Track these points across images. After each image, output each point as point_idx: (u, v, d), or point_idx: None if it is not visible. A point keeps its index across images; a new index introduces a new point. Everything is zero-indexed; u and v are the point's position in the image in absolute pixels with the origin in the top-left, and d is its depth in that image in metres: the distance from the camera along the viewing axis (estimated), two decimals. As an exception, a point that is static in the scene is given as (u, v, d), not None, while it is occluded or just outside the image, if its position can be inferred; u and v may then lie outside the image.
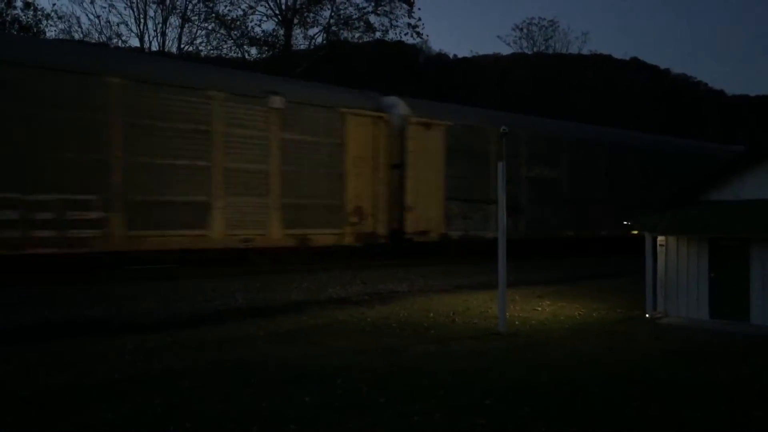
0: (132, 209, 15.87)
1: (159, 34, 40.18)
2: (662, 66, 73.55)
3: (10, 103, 14.32)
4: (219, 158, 17.32)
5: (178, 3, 39.52)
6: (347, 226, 19.96)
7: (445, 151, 22.34)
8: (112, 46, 38.51)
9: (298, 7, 40.27)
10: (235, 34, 40.18)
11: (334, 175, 19.82)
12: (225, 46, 40.57)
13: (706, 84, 74.75)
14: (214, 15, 39.57)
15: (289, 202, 18.69)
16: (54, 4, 68.14)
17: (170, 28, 40.83)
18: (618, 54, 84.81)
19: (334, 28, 40.95)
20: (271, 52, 41.44)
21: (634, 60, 69.85)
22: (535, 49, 61.21)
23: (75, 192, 14.96)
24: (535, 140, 25.50)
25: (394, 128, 21.31)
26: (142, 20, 39.70)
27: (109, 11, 47.65)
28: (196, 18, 39.98)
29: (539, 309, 15.53)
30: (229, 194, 17.51)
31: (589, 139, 28.35)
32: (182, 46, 40.23)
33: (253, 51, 41.58)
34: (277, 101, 18.30)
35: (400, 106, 21.84)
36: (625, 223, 15.81)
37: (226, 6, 39.48)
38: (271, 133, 18.32)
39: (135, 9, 39.43)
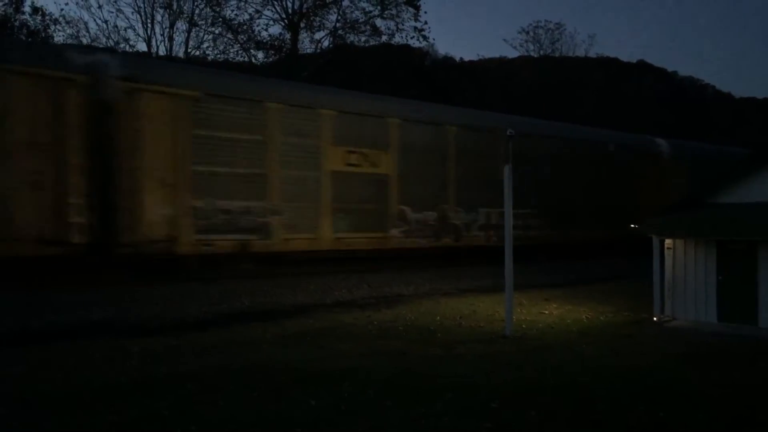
0: (553, 218, 25.30)
1: (166, 39, 40.35)
2: (669, 68, 73.44)
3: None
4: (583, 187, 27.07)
5: (185, 7, 39.69)
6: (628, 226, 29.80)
7: (686, 176, 30.53)
8: (120, 50, 38.65)
9: (304, 11, 40.39)
10: (242, 39, 40.32)
11: (632, 193, 28.61)
12: (232, 51, 40.72)
13: (713, 86, 74.54)
14: (221, 19, 39.73)
15: (608, 210, 27.36)
16: (62, 9, 68.41)
17: (177, 33, 40.90)
18: (624, 57, 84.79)
19: (340, 31, 41.06)
20: (277, 56, 41.55)
21: (641, 62, 69.70)
22: (541, 52, 61.05)
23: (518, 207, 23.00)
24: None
25: (663, 162, 30.76)
26: (149, 25, 39.88)
27: (117, 16, 47.77)
28: (203, 22, 40.13)
29: (546, 312, 15.49)
30: (585, 209, 26.94)
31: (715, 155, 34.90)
32: (189, 50, 40.40)
33: (260, 55, 41.74)
34: (611, 147, 28.45)
35: (664, 145, 31.50)
36: (632, 226, 15.75)
37: (233, 10, 39.73)
38: (605, 168, 28.04)
39: (142, 14, 39.60)
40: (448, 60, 62.15)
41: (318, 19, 40.73)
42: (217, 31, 40.21)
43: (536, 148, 25.05)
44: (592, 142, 28.40)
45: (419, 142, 21.80)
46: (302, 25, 40.47)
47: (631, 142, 30.41)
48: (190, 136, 16.83)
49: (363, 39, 41.72)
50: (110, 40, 39.37)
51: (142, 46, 40.92)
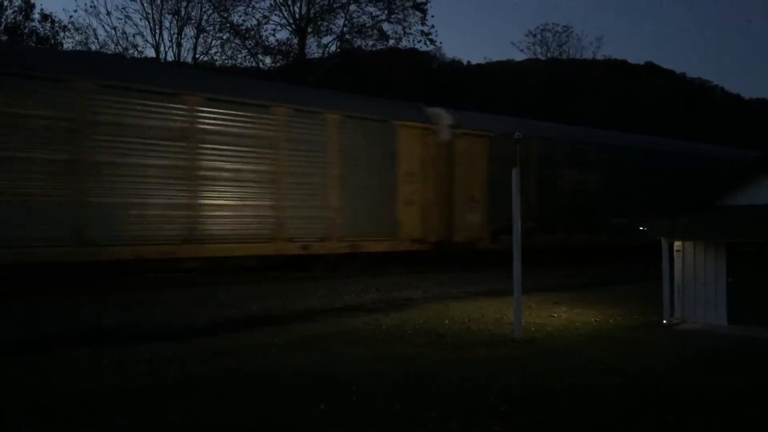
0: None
1: (174, 45, 40.50)
2: (678, 71, 73.19)
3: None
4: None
5: (193, 13, 39.85)
6: None
7: None
8: (129, 56, 38.84)
9: (311, 16, 40.48)
10: (250, 44, 40.44)
11: None
12: (239, 56, 40.85)
13: (722, 88, 74.30)
14: (228, 25, 39.87)
15: None
16: (71, 16, 68.73)
17: (185, 39, 41.03)
18: (632, 59, 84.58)
19: (347, 36, 41.11)
20: (285, 61, 41.67)
21: (649, 64, 69.59)
22: (548, 55, 60.93)
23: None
24: None
25: None
26: (157, 31, 40.05)
27: (125, 22, 47.81)
28: (211, 28, 40.27)
29: (555, 315, 15.45)
30: None
31: None
32: (197, 56, 40.55)
33: (267, 60, 41.86)
34: (736, 162, 31.29)
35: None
36: (641, 228, 15.70)
37: (240, 16, 39.81)
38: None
39: (150, 20, 39.76)
40: (455, 63, 62.23)
41: (325, 23, 40.83)
42: (224, 37, 40.36)
43: (693, 165, 31.86)
44: (726, 158, 34.18)
45: (616, 162, 29.00)
46: (309, 30, 40.57)
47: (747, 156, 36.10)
48: (487, 163, 23.73)
49: (370, 43, 41.79)
50: (119, 47, 39.60)
51: (150, 53, 41.00)
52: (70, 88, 15.50)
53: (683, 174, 31.31)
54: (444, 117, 23.28)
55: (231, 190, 17.98)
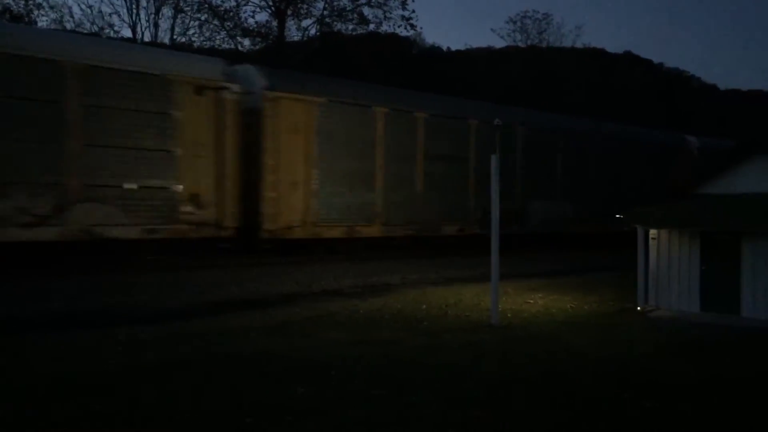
0: None
1: (152, 25, 40.03)
2: (656, 60, 73.63)
3: None
4: None
5: (170, -7, 39.34)
6: None
7: None
8: (104, 36, 38.26)
9: (291, -2, 40.13)
10: (228, 25, 40.06)
11: None
12: (218, 38, 40.45)
13: (699, 78, 74.86)
14: (207, 5, 39.44)
15: None
16: (46, -6, 67.27)
17: (163, 19, 40.57)
18: (611, 48, 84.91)
19: (327, 19, 40.86)
20: (264, 44, 41.35)
21: (628, 54, 69.85)
22: (528, 42, 60.88)
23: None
24: None
25: None
26: (134, 10, 39.53)
27: (101, 1, 47.17)
28: (189, 9, 39.85)
29: (531, 302, 15.59)
30: None
31: None
32: (175, 36, 40.10)
33: (246, 42, 41.50)
34: None
35: None
36: (617, 216, 15.87)
37: (219, -4, 39.37)
38: None
39: (127, -1, 39.21)
40: (435, 49, 62.07)
41: (305, 6, 40.54)
42: (203, 18, 39.96)
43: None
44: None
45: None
46: (289, 12, 40.26)
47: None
48: None
49: (350, 27, 41.60)
50: (95, 26, 39.03)
51: (126, 33, 40.51)
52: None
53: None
54: (695, 142, 33.63)
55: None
